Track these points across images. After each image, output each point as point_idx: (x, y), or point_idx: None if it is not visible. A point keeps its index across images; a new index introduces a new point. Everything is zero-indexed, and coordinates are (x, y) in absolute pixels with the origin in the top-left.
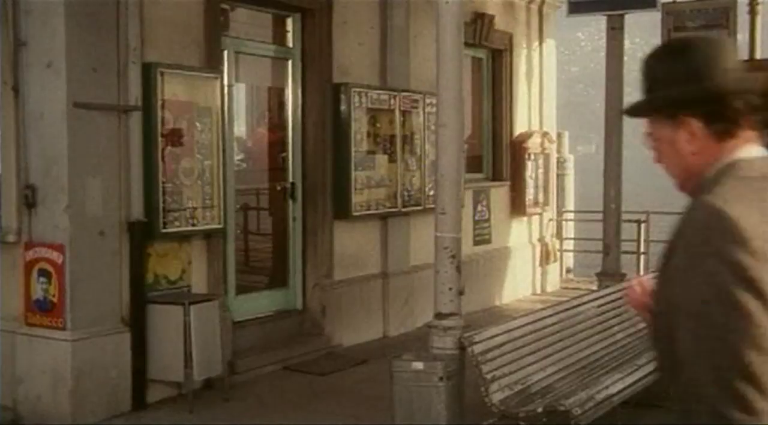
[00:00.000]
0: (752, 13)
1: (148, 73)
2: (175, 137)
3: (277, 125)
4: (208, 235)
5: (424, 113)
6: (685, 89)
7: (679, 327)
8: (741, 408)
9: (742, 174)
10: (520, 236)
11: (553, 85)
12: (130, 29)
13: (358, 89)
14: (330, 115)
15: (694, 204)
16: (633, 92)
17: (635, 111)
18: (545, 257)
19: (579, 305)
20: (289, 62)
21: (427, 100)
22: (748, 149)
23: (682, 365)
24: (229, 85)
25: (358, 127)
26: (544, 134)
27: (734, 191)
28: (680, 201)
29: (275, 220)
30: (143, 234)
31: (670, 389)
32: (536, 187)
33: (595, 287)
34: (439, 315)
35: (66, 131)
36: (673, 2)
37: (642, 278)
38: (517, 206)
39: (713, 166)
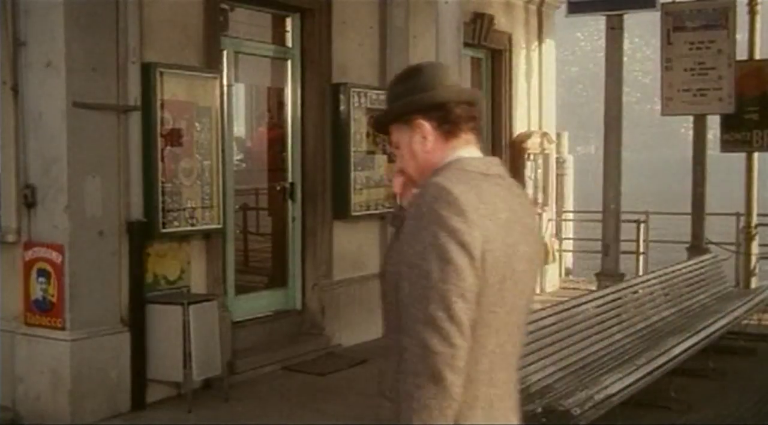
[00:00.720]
0: (752, 13)
1: (148, 73)
2: (174, 137)
3: (276, 125)
4: (207, 235)
5: None
6: (418, 96)
7: (403, 277)
8: (443, 343)
9: (462, 167)
10: None
11: (553, 86)
12: (130, 29)
13: (357, 89)
14: (329, 115)
15: (425, 184)
16: (632, 92)
17: (381, 123)
18: (544, 258)
19: (578, 305)
20: (289, 62)
21: None
22: (468, 150)
23: (402, 308)
24: (229, 85)
25: (358, 127)
26: (544, 134)
27: (456, 177)
28: (680, 202)
29: (274, 220)
30: (142, 234)
31: (389, 336)
32: (535, 187)
33: (594, 288)
34: None
35: (65, 131)
36: (673, 2)
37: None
38: None
39: (442, 161)
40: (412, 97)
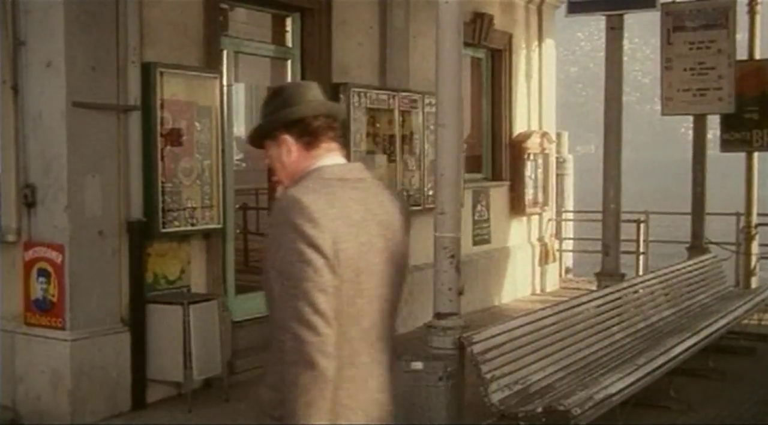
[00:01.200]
0: (752, 12)
1: (148, 72)
2: (174, 137)
3: None
4: (207, 235)
5: (423, 112)
6: (281, 114)
7: (273, 280)
8: (312, 333)
9: (320, 175)
10: (519, 236)
11: (553, 85)
12: (130, 29)
13: (357, 89)
14: None
15: (281, 195)
16: (632, 92)
17: (253, 140)
18: (544, 257)
19: (578, 305)
20: (289, 62)
21: (427, 100)
22: (331, 157)
23: (276, 307)
24: (229, 85)
25: (358, 127)
26: (544, 134)
27: (312, 185)
28: (680, 201)
29: None
30: (142, 234)
31: (272, 332)
32: (535, 187)
33: (594, 287)
34: (438, 315)
35: (65, 131)
36: (673, 2)
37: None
38: (517, 206)
39: (306, 170)
40: (276, 115)
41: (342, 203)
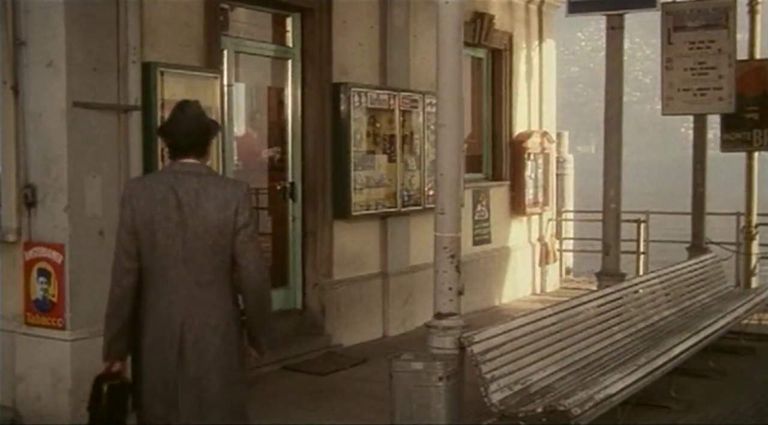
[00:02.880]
0: (752, 12)
1: (148, 72)
2: None
3: (276, 125)
4: None
5: (423, 112)
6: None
7: None
8: (117, 264)
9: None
10: (519, 236)
11: (553, 85)
12: (130, 29)
13: (357, 89)
14: (329, 114)
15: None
16: (633, 92)
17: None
18: (545, 257)
19: (579, 305)
20: (289, 62)
21: (427, 100)
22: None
23: None
24: (229, 85)
25: (358, 126)
26: (544, 134)
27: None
28: (680, 201)
29: (274, 220)
30: None
31: None
32: (536, 187)
33: (594, 287)
34: (438, 315)
35: (65, 131)
36: (673, 2)
37: None
38: (517, 205)
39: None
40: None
41: (152, 186)
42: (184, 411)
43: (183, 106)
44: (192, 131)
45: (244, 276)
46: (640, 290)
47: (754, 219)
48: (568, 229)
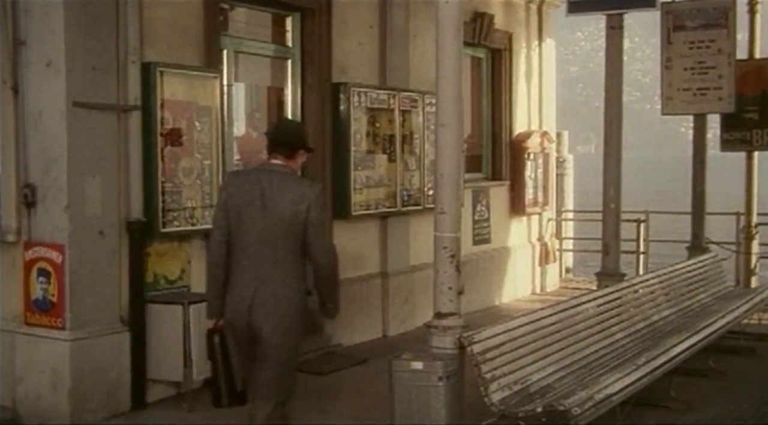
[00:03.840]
0: (752, 12)
1: (148, 72)
2: (174, 137)
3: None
4: (207, 235)
5: (423, 112)
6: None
7: None
8: (213, 241)
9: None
10: (519, 236)
11: (553, 85)
12: (130, 28)
13: (357, 89)
14: (329, 114)
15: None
16: (633, 92)
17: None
18: (545, 257)
19: (578, 304)
20: (289, 62)
21: (427, 100)
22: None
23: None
24: (229, 85)
25: (358, 126)
26: (544, 134)
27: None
28: (680, 201)
29: None
30: (142, 234)
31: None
32: (535, 187)
33: (594, 287)
34: (438, 315)
35: (65, 131)
36: (673, 2)
37: None
38: (517, 205)
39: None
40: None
41: (247, 178)
42: (251, 354)
43: (284, 119)
44: (279, 138)
45: (314, 262)
46: (640, 290)
47: (754, 219)
48: (568, 229)
